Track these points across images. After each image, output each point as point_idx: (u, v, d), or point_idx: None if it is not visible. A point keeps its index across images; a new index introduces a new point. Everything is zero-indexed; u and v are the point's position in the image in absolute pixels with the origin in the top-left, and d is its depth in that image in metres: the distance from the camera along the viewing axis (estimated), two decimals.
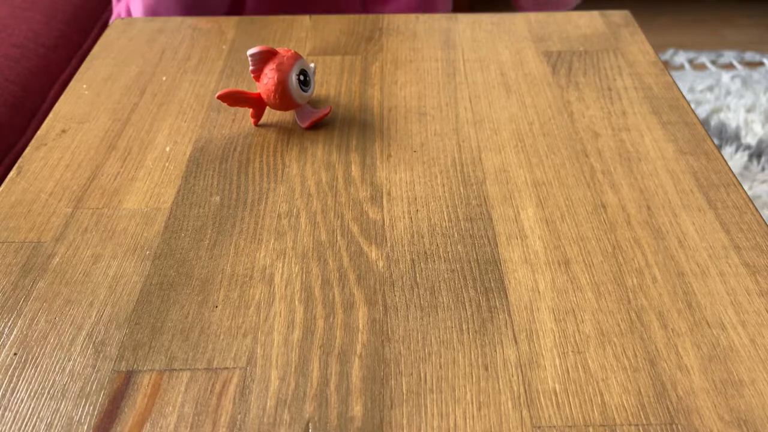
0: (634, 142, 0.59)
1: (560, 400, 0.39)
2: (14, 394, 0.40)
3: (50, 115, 0.63)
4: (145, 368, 0.41)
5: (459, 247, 0.49)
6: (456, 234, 0.50)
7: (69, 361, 0.42)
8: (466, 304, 0.45)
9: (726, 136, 1.73)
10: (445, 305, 0.45)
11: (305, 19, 0.78)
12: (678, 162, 0.56)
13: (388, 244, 0.49)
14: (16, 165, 0.57)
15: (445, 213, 0.52)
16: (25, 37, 1.09)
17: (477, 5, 2.22)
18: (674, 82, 0.66)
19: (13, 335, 0.43)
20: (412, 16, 0.78)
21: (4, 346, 0.43)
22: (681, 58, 2.08)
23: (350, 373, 0.41)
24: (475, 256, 0.48)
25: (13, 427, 0.38)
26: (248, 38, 0.74)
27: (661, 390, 0.40)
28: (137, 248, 0.49)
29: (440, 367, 0.41)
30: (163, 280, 0.47)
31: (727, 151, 1.69)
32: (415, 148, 0.58)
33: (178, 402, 0.39)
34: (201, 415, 0.39)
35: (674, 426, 0.38)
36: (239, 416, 0.39)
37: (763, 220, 0.51)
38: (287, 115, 0.63)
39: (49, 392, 0.40)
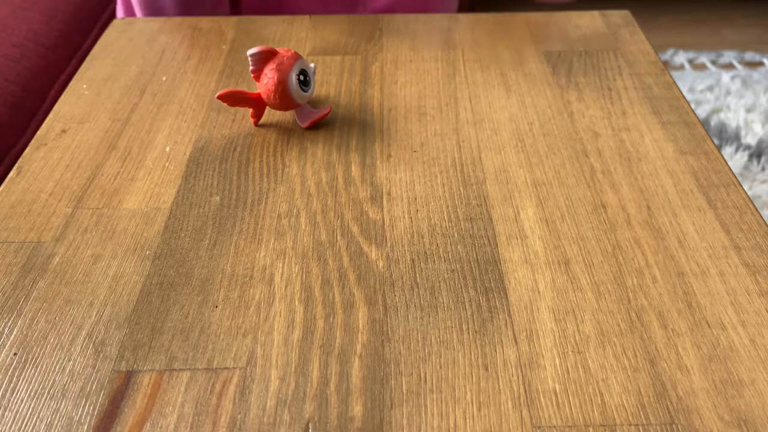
0: (634, 142, 0.59)
1: (560, 400, 0.39)
2: (14, 394, 0.40)
3: (50, 115, 0.63)
4: (145, 368, 0.41)
5: (459, 247, 0.49)
6: (456, 234, 0.50)
7: (69, 361, 0.42)
8: (466, 304, 0.45)
9: (726, 136, 1.73)
10: (445, 305, 0.45)
11: (305, 19, 0.78)
12: (678, 162, 0.56)
13: (388, 244, 0.49)
14: (16, 165, 0.57)
15: (445, 213, 0.52)
16: (25, 37, 1.09)
17: (477, 5, 2.23)
18: (674, 82, 0.66)
19: (13, 335, 0.43)
20: (412, 16, 0.78)
21: (4, 346, 0.43)
22: (681, 58, 2.08)
23: (350, 373, 0.41)
24: (475, 256, 0.48)
25: (13, 427, 0.38)
26: (248, 38, 0.74)
27: (661, 390, 0.40)
28: (137, 248, 0.49)
29: (440, 367, 0.41)
30: (163, 280, 0.47)
31: (727, 151, 1.69)
32: (415, 148, 0.58)
33: (178, 402, 0.39)
34: (201, 415, 0.39)
35: (674, 426, 0.38)
36: (239, 416, 0.39)
37: (763, 220, 0.51)
38: (287, 115, 0.63)
39: (49, 392, 0.40)
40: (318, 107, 0.63)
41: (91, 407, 0.39)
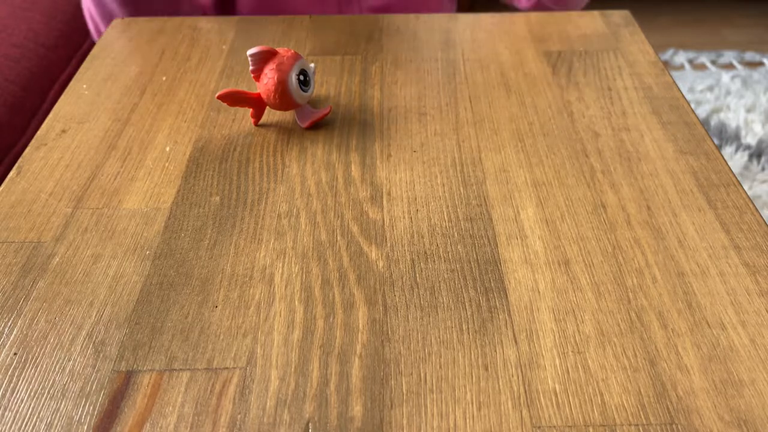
0: (634, 142, 0.59)
1: (560, 400, 0.39)
2: (14, 394, 0.40)
3: (50, 115, 0.63)
4: (145, 368, 0.41)
5: (459, 247, 0.49)
6: (456, 234, 0.50)
7: (69, 361, 0.42)
8: (466, 304, 0.45)
9: (726, 136, 1.73)
10: (445, 305, 0.45)
11: (305, 19, 0.78)
12: (678, 162, 0.56)
13: (388, 244, 0.49)
14: (16, 165, 0.57)
15: (445, 213, 0.52)
16: (25, 37, 1.09)
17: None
18: (674, 82, 0.66)
19: (13, 335, 0.43)
20: (412, 16, 0.78)
21: (4, 346, 0.43)
22: (681, 58, 2.08)
23: (350, 373, 0.41)
24: (475, 256, 0.48)
25: (13, 427, 0.38)
26: (248, 38, 0.74)
27: (661, 390, 0.40)
28: (137, 248, 0.49)
29: (440, 367, 0.41)
30: (163, 280, 0.47)
31: (727, 151, 1.69)
32: (415, 148, 0.58)
33: (178, 402, 0.39)
34: (201, 415, 0.39)
35: (674, 426, 0.38)
36: (239, 416, 0.39)
37: (763, 220, 0.51)
38: (287, 115, 0.63)
39: (49, 392, 0.40)
40: (318, 107, 0.63)
41: (91, 407, 0.39)
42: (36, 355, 0.42)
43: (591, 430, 0.38)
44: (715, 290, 0.46)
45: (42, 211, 0.52)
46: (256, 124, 0.61)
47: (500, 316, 0.44)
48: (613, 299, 0.45)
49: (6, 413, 0.39)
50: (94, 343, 0.43)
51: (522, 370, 0.41)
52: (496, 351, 0.42)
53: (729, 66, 2.05)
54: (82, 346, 0.43)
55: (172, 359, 0.42)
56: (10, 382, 0.41)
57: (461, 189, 0.54)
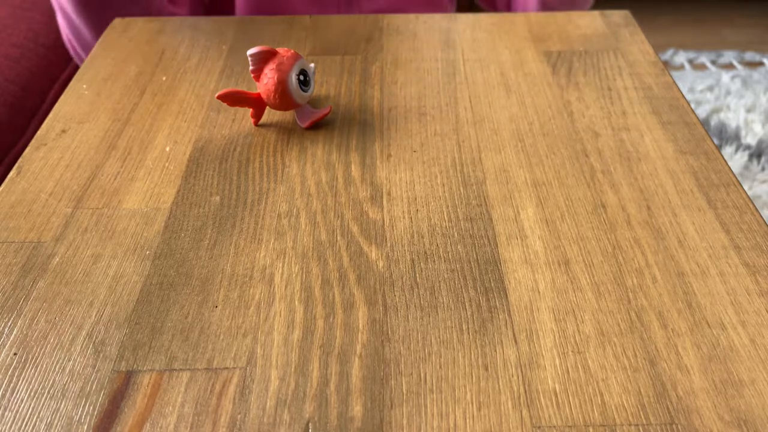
0: (634, 142, 0.59)
1: (560, 400, 0.39)
2: (14, 394, 0.40)
3: (50, 115, 0.63)
4: (145, 368, 0.41)
5: (459, 247, 0.49)
6: (456, 234, 0.50)
7: (69, 361, 0.42)
8: (466, 304, 0.45)
9: (726, 136, 1.73)
10: (445, 305, 0.45)
11: (305, 19, 0.78)
12: (678, 162, 0.56)
13: (388, 244, 0.49)
14: (16, 165, 0.57)
15: (445, 213, 0.52)
16: (25, 37, 1.09)
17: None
18: (674, 82, 0.66)
19: (13, 335, 0.43)
20: (412, 16, 0.78)
21: (4, 346, 0.43)
22: (681, 58, 2.08)
23: (350, 373, 0.41)
24: (475, 256, 0.48)
25: (13, 427, 0.38)
26: (248, 38, 0.74)
27: (661, 390, 0.40)
28: (137, 248, 0.49)
29: (440, 367, 0.41)
30: (163, 280, 0.47)
31: (727, 151, 1.69)
32: (415, 148, 0.58)
33: (178, 402, 0.39)
34: (201, 415, 0.39)
35: (674, 426, 0.38)
36: (239, 416, 0.39)
37: (763, 220, 0.51)
38: (287, 115, 0.63)
39: (49, 392, 0.40)
40: (318, 107, 0.63)
41: (91, 407, 0.39)
42: (36, 355, 0.42)
43: (591, 430, 0.38)
44: (715, 290, 0.46)
45: (42, 211, 0.53)
46: (256, 124, 0.61)
47: (500, 316, 0.44)
48: (613, 299, 0.45)
49: (6, 413, 0.39)
50: (94, 343, 0.43)
51: (522, 370, 0.41)
52: (496, 351, 0.42)
53: (729, 66, 2.05)
54: (82, 346, 0.43)
55: (172, 359, 0.42)
56: (10, 382, 0.41)
57: (461, 189, 0.54)
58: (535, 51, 0.72)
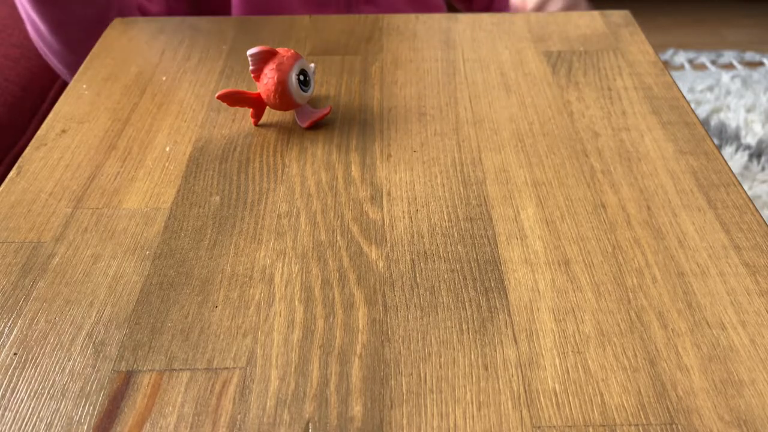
0: (634, 142, 0.59)
1: (560, 400, 0.39)
2: (14, 394, 0.40)
3: (50, 115, 0.63)
4: (145, 368, 0.41)
5: (459, 247, 0.49)
6: (456, 234, 0.50)
7: (69, 361, 0.42)
8: (466, 304, 0.45)
9: (726, 136, 1.73)
10: (445, 305, 0.45)
11: (305, 19, 0.78)
12: (678, 162, 0.56)
13: (388, 244, 0.49)
14: (16, 165, 0.57)
15: (445, 213, 0.52)
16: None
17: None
18: (674, 82, 0.66)
19: (13, 335, 0.43)
20: (412, 16, 0.78)
21: (4, 346, 0.43)
22: (681, 58, 2.08)
23: (350, 373, 0.41)
24: (475, 256, 0.48)
25: (13, 427, 0.38)
26: (248, 38, 0.74)
27: (661, 390, 0.40)
28: (137, 248, 0.49)
29: (440, 367, 0.41)
30: (163, 280, 0.47)
31: (727, 151, 1.69)
32: (415, 148, 0.58)
33: (178, 402, 0.39)
34: (201, 415, 0.39)
35: (674, 426, 0.38)
36: (239, 416, 0.39)
37: (763, 220, 0.51)
38: (287, 115, 0.63)
39: (49, 392, 0.40)
40: (318, 107, 0.63)
41: (91, 407, 0.39)
42: (36, 355, 0.42)
43: (591, 430, 0.38)
44: (715, 290, 0.46)
45: (42, 211, 0.53)
46: (256, 124, 0.61)
47: (500, 316, 0.44)
48: (613, 299, 0.45)
49: (6, 413, 0.39)
50: (94, 343, 0.43)
51: (522, 370, 0.41)
52: (496, 351, 0.42)
53: (729, 66, 2.05)
54: (82, 346, 0.43)
55: (172, 359, 0.42)
56: (10, 382, 0.41)
57: (461, 189, 0.54)
58: (535, 51, 0.72)
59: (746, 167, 1.65)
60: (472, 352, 0.42)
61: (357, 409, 0.39)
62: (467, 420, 0.38)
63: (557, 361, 0.41)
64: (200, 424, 0.38)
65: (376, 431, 0.38)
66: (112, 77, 0.68)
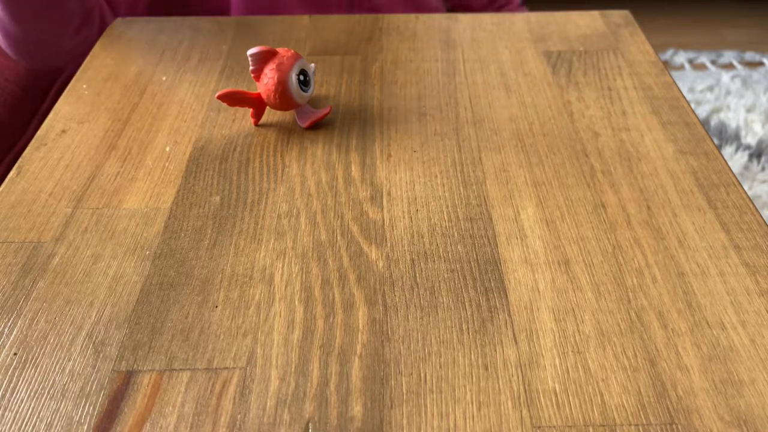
0: (634, 142, 0.59)
1: (560, 400, 0.39)
2: (14, 394, 0.40)
3: (50, 115, 0.63)
4: (145, 368, 0.41)
5: (459, 247, 0.49)
6: (456, 234, 0.50)
7: (69, 361, 0.42)
8: (466, 304, 0.45)
9: (726, 136, 1.73)
10: (445, 305, 0.45)
11: (305, 19, 0.78)
12: (678, 162, 0.56)
13: (388, 244, 0.49)
14: (16, 165, 0.57)
15: (445, 213, 0.52)
16: None
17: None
18: (674, 82, 0.66)
19: (13, 335, 0.43)
20: (412, 16, 0.78)
21: (4, 346, 0.43)
22: (681, 58, 2.08)
23: (350, 373, 0.41)
24: (475, 256, 0.48)
25: (13, 427, 0.38)
26: (248, 38, 0.74)
27: (661, 390, 0.40)
28: (137, 248, 0.49)
29: (440, 367, 0.41)
30: (163, 280, 0.47)
31: (727, 151, 1.69)
32: (415, 148, 0.58)
33: (178, 402, 0.39)
34: (201, 415, 0.39)
35: (674, 426, 0.38)
36: (239, 416, 0.39)
37: (763, 220, 0.51)
38: (287, 115, 0.63)
39: (49, 392, 0.40)
40: (318, 107, 0.63)
41: (91, 407, 0.39)
42: (36, 355, 0.42)
43: (591, 430, 0.38)
44: (715, 290, 0.46)
45: (42, 211, 0.52)
46: (256, 124, 0.61)
47: (500, 316, 0.44)
48: (613, 299, 0.45)
49: (6, 413, 0.39)
50: (94, 343, 0.43)
51: (522, 370, 0.41)
52: (496, 351, 0.42)
53: (729, 66, 2.05)
54: (82, 346, 0.43)
55: (172, 359, 0.42)
56: (10, 382, 0.41)
57: (461, 189, 0.54)
58: (535, 51, 0.72)
59: (746, 167, 1.65)
60: (472, 352, 0.42)
61: (357, 409, 0.39)
62: (467, 420, 0.38)
63: (557, 361, 0.41)
64: (200, 424, 0.38)
65: (376, 431, 0.38)
66: (112, 77, 0.68)
